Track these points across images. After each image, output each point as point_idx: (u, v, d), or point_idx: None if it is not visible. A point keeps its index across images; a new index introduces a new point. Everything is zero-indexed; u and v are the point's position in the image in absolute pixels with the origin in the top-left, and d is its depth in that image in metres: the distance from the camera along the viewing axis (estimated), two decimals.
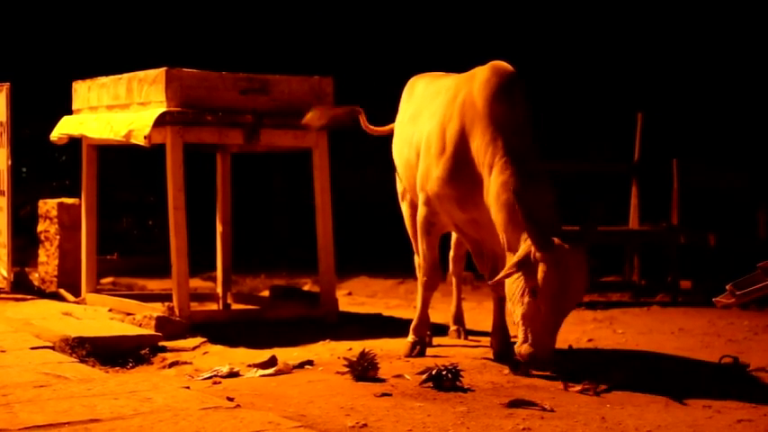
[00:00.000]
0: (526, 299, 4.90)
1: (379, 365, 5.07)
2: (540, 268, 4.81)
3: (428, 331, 6.03)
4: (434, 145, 5.55)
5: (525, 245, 4.91)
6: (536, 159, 5.22)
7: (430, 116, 5.73)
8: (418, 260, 6.09)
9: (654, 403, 4.67)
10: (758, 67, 13.41)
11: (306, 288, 9.57)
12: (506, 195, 5.07)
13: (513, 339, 6.05)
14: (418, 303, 5.99)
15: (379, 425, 4.12)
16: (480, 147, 5.28)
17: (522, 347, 4.95)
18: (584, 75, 14.01)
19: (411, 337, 5.87)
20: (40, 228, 8.49)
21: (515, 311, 4.98)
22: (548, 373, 5.20)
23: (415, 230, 5.98)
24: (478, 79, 5.45)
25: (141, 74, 6.93)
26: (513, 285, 4.97)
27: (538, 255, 4.82)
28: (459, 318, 6.56)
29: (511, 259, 5.00)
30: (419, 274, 6.01)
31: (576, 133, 13.89)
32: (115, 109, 7.18)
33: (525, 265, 4.87)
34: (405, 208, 6.29)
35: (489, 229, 5.31)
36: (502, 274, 5.00)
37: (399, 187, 6.34)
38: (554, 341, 4.98)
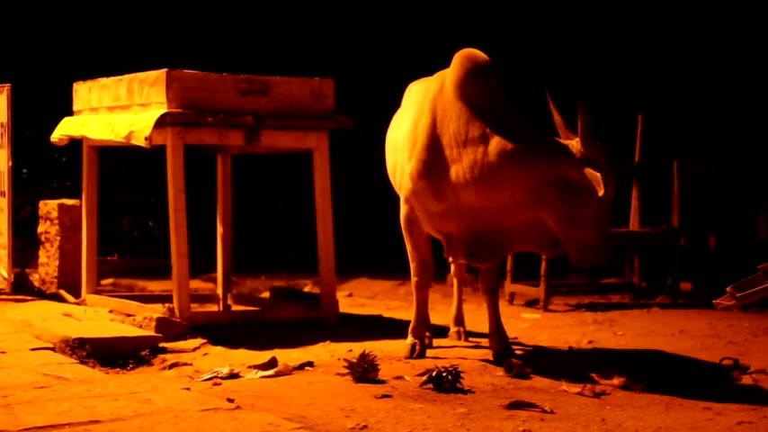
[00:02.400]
0: (593, 203, 5.03)
1: (379, 367, 5.07)
2: (599, 161, 5.00)
3: (428, 332, 6.04)
4: (407, 143, 5.60)
5: (577, 151, 5.05)
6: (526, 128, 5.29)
7: (407, 118, 5.78)
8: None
9: (654, 405, 4.67)
10: (758, 68, 13.41)
11: (306, 289, 9.57)
12: (512, 145, 5.16)
13: (511, 340, 6.07)
14: (413, 304, 6.00)
15: (379, 426, 4.12)
16: (459, 128, 5.30)
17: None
18: (584, 76, 14.01)
19: (410, 339, 5.87)
20: (40, 229, 8.49)
21: (582, 222, 5.09)
22: (548, 378, 5.21)
23: None
24: (450, 70, 5.50)
25: (142, 75, 6.93)
26: (577, 197, 5.08)
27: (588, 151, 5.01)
28: (459, 319, 6.56)
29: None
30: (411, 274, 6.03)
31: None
32: (116, 110, 7.18)
33: (591, 164, 5.00)
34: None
35: (464, 215, 5.40)
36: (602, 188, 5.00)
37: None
38: None
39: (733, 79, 13.69)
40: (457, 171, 5.32)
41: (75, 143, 7.82)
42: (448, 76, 5.48)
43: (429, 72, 6.30)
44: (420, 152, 5.47)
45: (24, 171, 13.15)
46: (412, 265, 5.92)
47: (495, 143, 5.20)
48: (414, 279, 5.94)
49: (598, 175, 4.95)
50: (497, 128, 5.22)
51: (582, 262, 5.34)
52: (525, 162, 5.15)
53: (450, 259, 5.98)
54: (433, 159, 5.43)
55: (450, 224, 5.58)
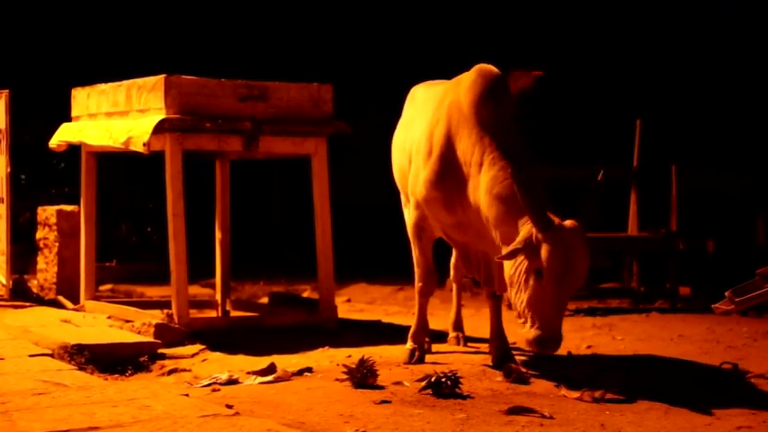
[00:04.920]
0: (531, 282, 4.84)
1: (378, 372, 5.07)
2: (544, 248, 4.75)
3: (427, 338, 6.03)
4: (422, 149, 5.60)
5: (526, 227, 4.88)
6: (525, 157, 5.24)
7: (420, 122, 5.79)
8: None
9: (653, 410, 4.67)
10: (756, 72, 13.42)
11: (305, 295, 9.57)
12: (498, 188, 5.07)
13: (511, 345, 6.06)
14: (415, 310, 5.99)
15: None
16: (467, 146, 5.31)
17: (529, 333, 4.85)
18: (583, 81, 14.02)
19: (410, 344, 5.87)
20: (38, 235, 8.49)
21: (519, 297, 4.90)
22: (549, 383, 5.20)
23: None
24: (464, 83, 5.50)
25: (140, 81, 6.93)
26: (516, 271, 4.91)
27: (540, 235, 4.77)
28: (458, 324, 6.56)
29: (509, 246, 4.95)
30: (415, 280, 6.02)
31: (575, 139, 13.90)
32: (114, 116, 7.18)
33: (528, 247, 4.82)
34: (407, 214, 6.30)
35: (476, 232, 5.35)
36: (505, 251, 4.89)
37: (402, 194, 6.35)
38: (561, 322, 4.88)
39: (733, 80, 13.71)
40: (467, 187, 5.34)
41: (74, 149, 7.82)
42: (462, 90, 5.46)
43: (427, 77, 6.31)
44: (435, 161, 5.47)
45: (23, 177, 13.16)
46: (417, 271, 5.90)
47: (486, 178, 5.18)
48: (418, 284, 5.93)
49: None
50: (497, 156, 5.18)
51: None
52: (504, 210, 5.10)
53: (452, 269, 5.99)
54: (446, 169, 5.42)
55: (463, 236, 5.58)
